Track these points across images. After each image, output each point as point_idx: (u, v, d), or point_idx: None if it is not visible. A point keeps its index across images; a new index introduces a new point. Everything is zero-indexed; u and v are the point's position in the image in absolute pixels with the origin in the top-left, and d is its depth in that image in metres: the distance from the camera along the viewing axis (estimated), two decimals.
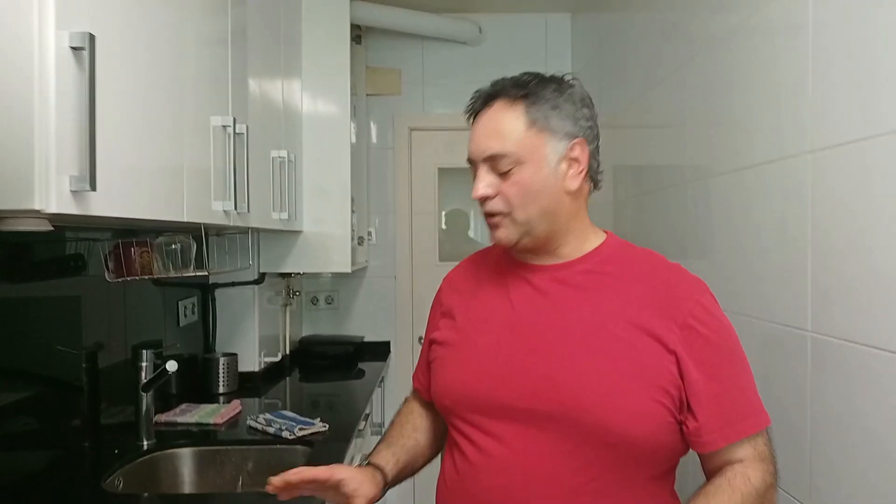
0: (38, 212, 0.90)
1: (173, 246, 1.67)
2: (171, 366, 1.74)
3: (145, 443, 1.82)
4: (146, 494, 1.71)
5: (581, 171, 1.04)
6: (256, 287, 2.65)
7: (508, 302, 1.09)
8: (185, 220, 1.41)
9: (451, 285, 1.22)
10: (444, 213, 3.56)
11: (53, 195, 0.91)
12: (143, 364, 1.85)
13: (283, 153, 2.23)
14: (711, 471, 1.02)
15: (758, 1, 1.45)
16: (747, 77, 1.51)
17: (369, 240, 3.42)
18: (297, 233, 2.65)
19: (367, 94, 3.37)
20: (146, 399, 1.83)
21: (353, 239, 2.85)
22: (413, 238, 3.48)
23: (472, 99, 1.09)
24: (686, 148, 1.89)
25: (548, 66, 3.42)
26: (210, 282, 2.56)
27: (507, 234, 1.05)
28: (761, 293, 1.45)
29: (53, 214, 0.95)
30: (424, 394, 1.24)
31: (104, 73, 1.03)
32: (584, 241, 1.09)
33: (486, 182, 1.04)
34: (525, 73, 1.06)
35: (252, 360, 2.64)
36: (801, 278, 1.28)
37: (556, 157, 1.03)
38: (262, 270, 2.67)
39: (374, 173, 3.45)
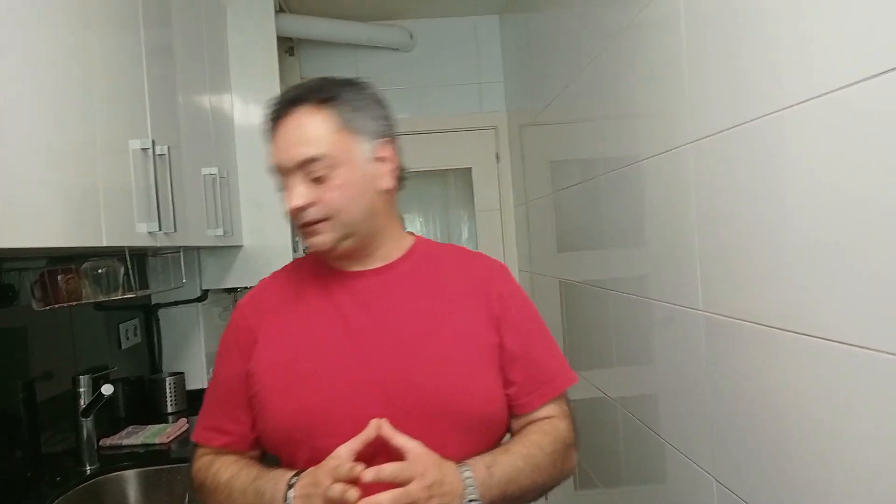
0: None
1: (100, 270, 1.68)
2: (107, 389, 1.75)
3: (88, 468, 1.83)
4: None
5: (392, 169, 1.09)
6: (200, 305, 2.66)
7: (338, 313, 1.06)
8: (105, 244, 1.42)
9: (257, 309, 1.12)
10: None
11: None
12: (82, 390, 1.86)
13: (214, 170, 2.25)
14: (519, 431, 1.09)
15: None
16: (638, 73, 1.59)
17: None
18: (238, 247, 2.67)
19: None
20: (87, 424, 1.84)
21: (295, 250, 2.87)
22: None
23: (271, 106, 1.07)
24: (596, 142, 1.97)
25: (480, 68, 3.51)
26: (152, 302, 2.56)
27: (325, 239, 1.03)
28: (661, 278, 1.54)
29: None
30: (239, 442, 1.08)
31: (2, 104, 1.05)
32: (399, 240, 1.13)
33: (300, 191, 1.02)
34: (322, 78, 1.08)
35: (200, 378, 2.65)
36: (690, 261, 1.36)
37: (367, 157, 1.06)
38: (204, 287, 2.68)
39: None
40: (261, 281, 1.19)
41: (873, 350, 0.87)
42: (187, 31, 2.16)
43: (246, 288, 3.01)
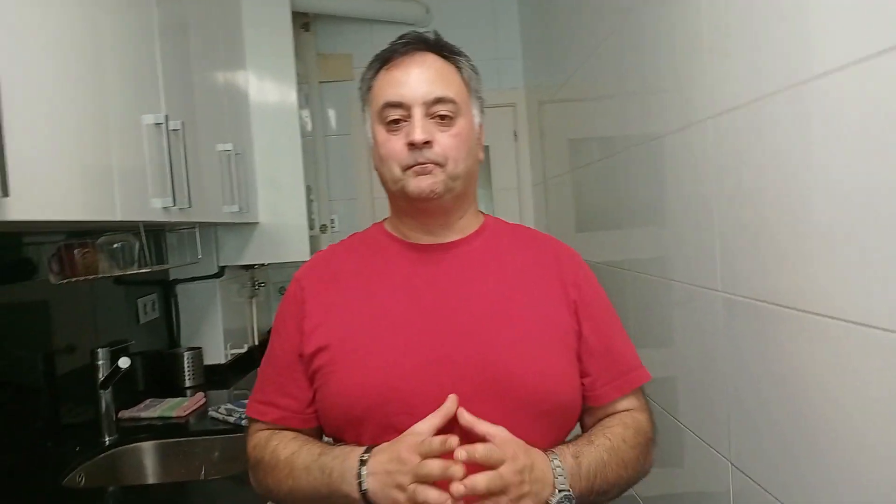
0: None
1: (115, 245, 1.69)
2: (123, 362, 1.77)
3: (107, 438, 1.85)
4: (111, 488, 1.75)
5: (482, 144, 1.09)
6: (217, 280, 2.68)
7: (408, 287, 1.02)
8: (119, 219, 1.43)
9: (316, 281, 1.07)
10: None
11: None
12: (100, 363, 1.89)
13: (229, 146, 2.24)
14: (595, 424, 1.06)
15: None
16: (657, 47, 1.55)
17: (332, 227, 3.44)
18: (254, 224, 2.67)
19: (320, 82, 3.38)
20: (105, 396, 1.86)
21: (312, 227, 2.88)
22: None
23: (398, 42, 1.03)
24: (615, 118, 1.94)
25: (497, 44, 3.45)
26: (170, 278, 2.59)
27: (437, 182, 0.99)
28: (680, 257, 1.51)
29: None
30: (293, 417, 1.04)
31: (12, 79, 1.05)
32: (475, 215, 1.11)
33: (425, 126, 0.98)
34: (437, 34, 1.06)
35: (218, 353, 2.68)
36: (710, 240, 1.33)
37: (477, 122, 1.07)
38: (221, 264, 2.70)
39: (335, 160, 3.46)
40: (316, 253, 1.15)
41: None
42: (202, 6, 2.15)
43: (262, 265, 3.03)
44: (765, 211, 1.13)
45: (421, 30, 1.06)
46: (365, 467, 0.89)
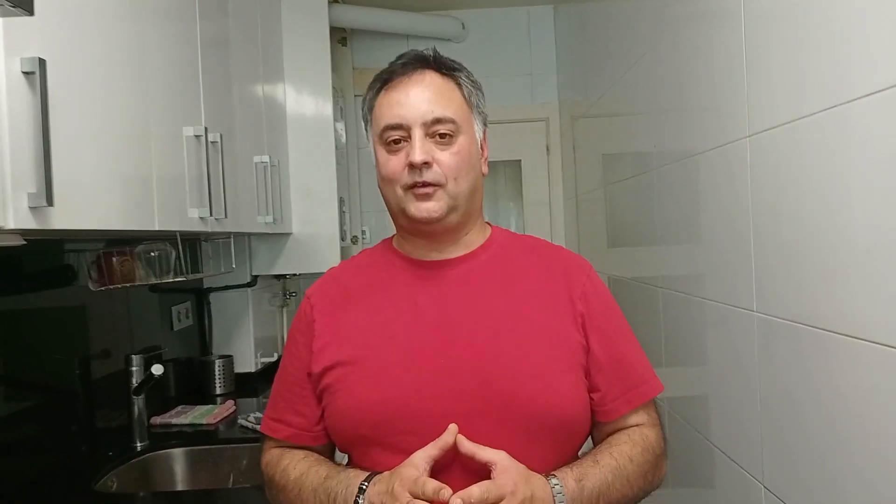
0: None
1: (153, 253, 1.73)
2: (157, 369, 1.80)
3: (139, 444, 1.88)
4: (141, 493, 1.78)
5: (486, 158, 1.08)
6: (249, 290, 2.71)
7: (414, 305, 1.02)
8: (157, 228, 1.46)
9: (325, 299, 1.08)
10: None
11: (11, 212, 0.96)
12: (134, 368, 1.92)
13: (266, 158, 2.28)
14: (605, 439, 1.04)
15: None
16: (695, 64, 1.54)
17: (364, 238, 3.47)
18: (287, 235, 2.71)
19: (356, 95, 3.42)
20: (138, 402, 1.90)
21: (343, 238, 2.90)
22: None
23: (397, 62, 1.03)
24: (650, 135, 1.92)
25: (532, 59, 3.46)
26: (204, 286, 2.63)
27: (439, 206, 0.99)
28: (714, 276, 1.49)
29: (20, 230, 1.01)
30: (302, 435, 1.05)
31: (61, 91, 1.08)
32: (482, 228, 1.10)
33: (424, 147, 0.98)
34: (435, 51, 1.06)
35: (248, 361, 2.71)
36: (745, 260, 1.31)
37: (479, 138, 1.06)
38: (254, 273, 2.73)
39: (367, 173, 3.49)
40: (329, 270, 1.15)
41: None
42: (243, 22, 2.20)
43: (294, 275, 3.06)
44: (803, 231, 1.11)
45: (456, 45, 1.06)
46: (363, 496, 0.91)
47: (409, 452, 0.91)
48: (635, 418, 1.03)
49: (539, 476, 0.91)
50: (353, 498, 0.91)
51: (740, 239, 1.33)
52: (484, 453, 0.90)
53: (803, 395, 1.14)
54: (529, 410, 0.95)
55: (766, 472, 1.28)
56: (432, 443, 0.91)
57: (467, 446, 0.91)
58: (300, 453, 1.05)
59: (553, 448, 0.98)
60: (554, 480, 0.91)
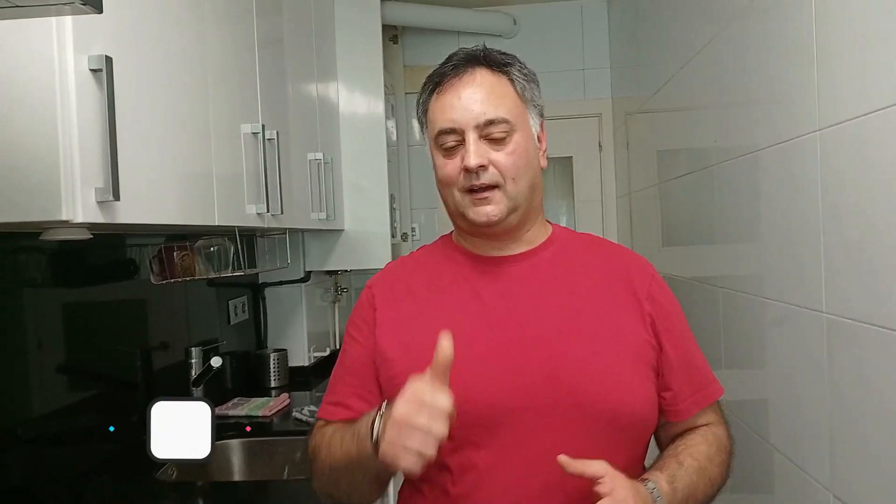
0: (66, 222, 0.99)
1: (212, 248, 1.77)
2: (216, 361, 1.84)
3: None
4: (199, 483, 1.82)
5: (545, 151, 1.06)
6: (303, 285, 2.75)
7: (477, 301, 1.01)
8: (217, 223, 1.49)
9: (386, 293, 1.06)
10: None
11: (80, 206, 0.99)
12: (193, 360, 1.97)
13: (320, 155, 2.31)
14: (675, 439, 1.03)
15: None
16: (758, 57, 1.49)
17: (413, 235, 3.48)
18: (339, 231, 2.73)
19: (406, 93, 3.43)
20: (196, 393, 1.94)
21: (394, 235, 2.92)
22: None
23: (448, 63, 1.02)
24: (709, 130, 1.87)
25: (585, 54, 3.41)
26: (259, 281, 2.68)
27: (498, 209, 0.97)
28: (778, 276, 1.43)
29: (88, 224, 1.04)
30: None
31: (126, 89, 1.11)
32: (542, 225, 1.08)
33: (479, 150, 0.96)
34: (485, 47, 1.04)
35: (302, 356, 2.75)
36: (814, 258, 1.26)
37: (535, 132, 1.03)
38: (307, 269, 2.77)
39: (417, 170, 3.51)
40: (388, 264, 1.15)
41: None
42: (297, 21, 2.22)
43: (346, 271, 3.09)
44: (874, 229, 1.06)
45: (506, 41, 1.05)
46: (380, 418, 0.86)
47: (479, 446, 0.92)
48: (705, 417, 1.03)
49: (638, 483, 0.90)
50: (371, 419, 0.87)
51: (808, 236, 1.28)
52: (590, 469, 0.86)
53: (874, 399, 1.09)
54: (601, 407, 0.94)
55: (835, 480, 1.23)
56: (430, 368, 0.84)
57: (574, 467, 0.86)
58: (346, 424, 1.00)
59: (623, 445, 0.97)
60: (651, 484, 0.91)
